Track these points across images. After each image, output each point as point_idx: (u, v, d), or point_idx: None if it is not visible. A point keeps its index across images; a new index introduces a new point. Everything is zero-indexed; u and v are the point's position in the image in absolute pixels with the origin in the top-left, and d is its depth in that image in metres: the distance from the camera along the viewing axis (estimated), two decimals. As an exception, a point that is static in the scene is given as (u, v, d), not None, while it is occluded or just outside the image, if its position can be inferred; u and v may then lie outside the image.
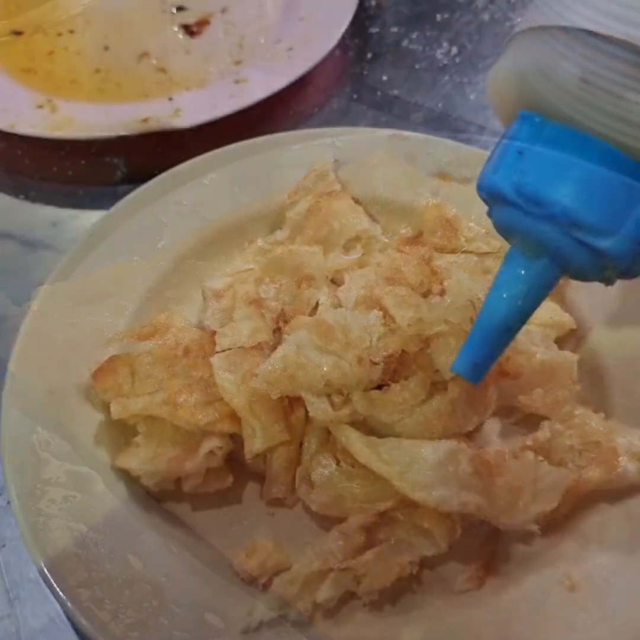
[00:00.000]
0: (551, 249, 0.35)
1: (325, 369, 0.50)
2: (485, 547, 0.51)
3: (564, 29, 0.32)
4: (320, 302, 0.56)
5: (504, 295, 0.36)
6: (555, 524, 0.51)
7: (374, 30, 0.92)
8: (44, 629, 0.52)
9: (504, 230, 0.37)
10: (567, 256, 0.34)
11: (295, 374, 0.50)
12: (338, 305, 0.56)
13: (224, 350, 0.53)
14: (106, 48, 0.88)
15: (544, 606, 0.48)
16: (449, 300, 0.52)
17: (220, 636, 0.46)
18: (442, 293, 0.54)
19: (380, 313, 0.51)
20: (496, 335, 0.38)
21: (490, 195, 0.36)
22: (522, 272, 0.36)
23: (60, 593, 0.46)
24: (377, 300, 0.53)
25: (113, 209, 0.64)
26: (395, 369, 0.52)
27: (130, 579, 0.48)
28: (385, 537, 0.50)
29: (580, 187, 0.32)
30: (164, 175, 0.67)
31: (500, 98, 0.37)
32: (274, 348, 0.53)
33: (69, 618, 0.50)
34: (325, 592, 0.48)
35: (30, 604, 0.52)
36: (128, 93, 0.83)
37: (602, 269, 0.35)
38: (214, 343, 0.54)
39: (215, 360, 0.52)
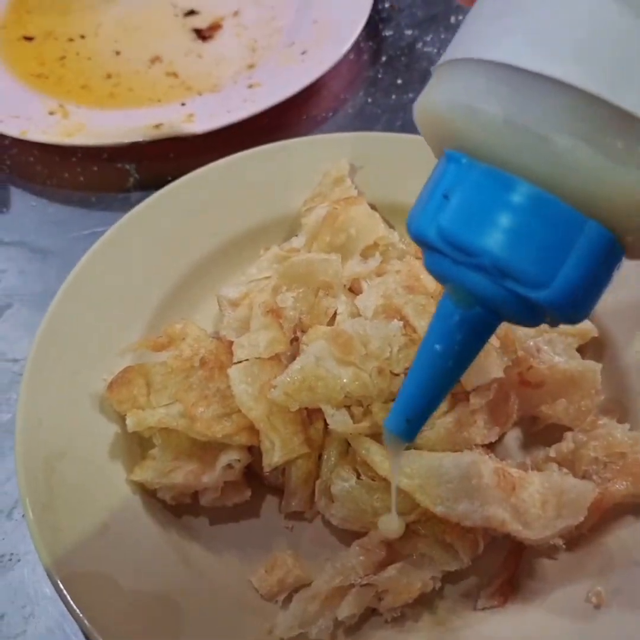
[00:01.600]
0: (484, 299, 0.32)
1: (344, 380, 0.49)
2: (509, 562, 0.51)
3: (487, 62, 0.29)
4: (338, 312, 0.55)
5: (437, 347, 0.33)
6: (581, 538, 0.51)
7: (388, 32, 0.91)
8: (60, 647, 0.51)
9: (436, 276, 0.34)
10: (501, 307, 0.32)
11: (314, 385, 0.49)
12: (356, 314, 0.55)
13: (241, 361, 0.52)
14: (117, 53, 0.88)
15: (570, 623, 0.47)
16: (470, 310, 0.51)
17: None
18: (462, 302, 0.54)
19: (401, 323, 0.50)
20: (430, 389, 0.35)
21: (417, 240, 0.33)
22: (457, 319, 0.33)
23: (77, 610, 0.45)
24: (397, 309, 0.52)
25: (126, 216, 0.63)
26: (416, 381, 0.51)
27: (147, 596, 0.47)
28: (407, 552, 0.49)
29: (510, 235, 0.29)
30: (177, 182, 0.66)
31: (427, 130, 0.34)
32: (292, 359, 0.52)
33: (85, 636, 0.49)
34: (346, 609, 0.47)
35: (45, 621, 0.52)
36: (140, 98, 0.82)
37: (540, 317, 0.32)
38: (231, 353, 0.53)
39: (232, 371, 0.51)
